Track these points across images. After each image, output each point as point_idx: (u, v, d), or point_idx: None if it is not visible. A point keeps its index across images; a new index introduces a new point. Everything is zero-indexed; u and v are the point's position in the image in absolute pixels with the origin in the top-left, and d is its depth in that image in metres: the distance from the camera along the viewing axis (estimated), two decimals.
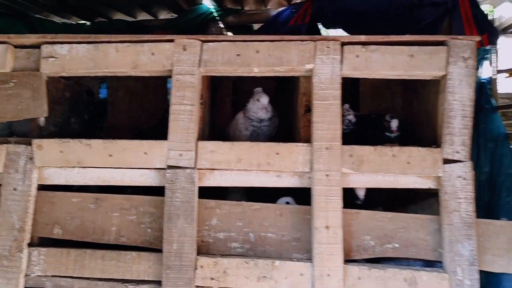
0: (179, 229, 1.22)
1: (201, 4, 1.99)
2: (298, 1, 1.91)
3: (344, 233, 1.21)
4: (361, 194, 1.38)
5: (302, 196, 1.30)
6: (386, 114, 1.46)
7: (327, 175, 1.21)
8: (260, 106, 1.44)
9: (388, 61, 1.25)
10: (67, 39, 1.28)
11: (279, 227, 1.27)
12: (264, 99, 1.43)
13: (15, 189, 1.25)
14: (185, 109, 1.25)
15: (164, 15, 2.11)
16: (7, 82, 1.27)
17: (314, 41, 1.25)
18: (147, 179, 1.27)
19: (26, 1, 1.77)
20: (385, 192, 1.45)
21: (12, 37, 1.29)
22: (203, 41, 1.26)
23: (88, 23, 2.12)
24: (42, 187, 1.29)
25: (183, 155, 1.24)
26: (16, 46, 1.30)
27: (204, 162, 1.24)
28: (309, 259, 1.22)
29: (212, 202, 1.28)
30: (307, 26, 1.80)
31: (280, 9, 1.90)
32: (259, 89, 1.49)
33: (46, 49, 1.27)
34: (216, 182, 1.27)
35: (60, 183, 1.29)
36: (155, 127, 1.74)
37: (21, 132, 1.50)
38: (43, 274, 1.24)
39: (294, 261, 1.22)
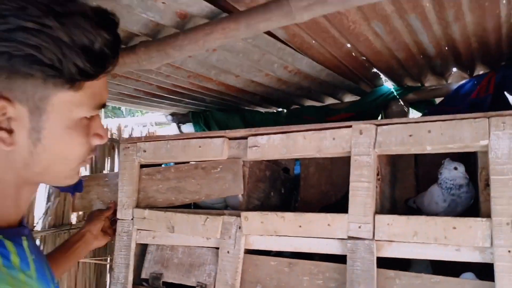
0: None
1: (382, 85, 2.17)
2: (480, 73, 1.92)
3: None
4: None
5: (485, 271, 1.29)
6: None
7: (509, 251, 1.19)
8: (458, 174, 1.48)
9: None
10: (266, 131, 1.59)
11: None
12: (462, 168, 1.47)
13: (228, 252, 1.57)
14: (362, 186, 1.41)
15: (348, 98, 2.35)
16: (216, 168, 1.66)
17: (488, 117, 1.29)
18: (330, 248, 1.45)
19: (238, 100, 2.23)
20: None
21: (228, 132, 1.66)
22: (378, 125, 1.42)
23: (285, 110, 2.51)
24: (247, 251, 1.58)
25: (361, 227, 1.38)
26: (230, 139, 1.67)
27: (381, 234, 1.35)
28: None
29: (391, 273, 1.37)
30: (491, 97, 1.78)
31: (462, 82, 1.94)
32: (448, 159, 1.55)
33: (251, 140, 1.61)
34: (394, 253, 1.36)
35: (261, 248, 1.56)
36: (340, 200, 1.92)
37: (233, 205, 1.85)
38: None
39: None
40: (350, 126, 1.47)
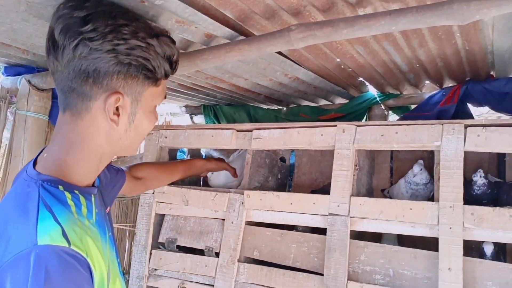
0: (335, 259, 1.70)
1: (367, 92, 2.53)
2: (449, 85, 2.27)
3: (468, 278, 1.51)
4: (488, 251, 1.65)
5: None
6: None
7: (450, 228, 1.56)
8: (420, 176, 1.86)
9: (506, 139, 1.55)
10: (268, 126, 1.95)
11: (413, 267, 1.64)
12: (416, 168, 1.85)
13: (232, 223, 1.94)
14: (342, 174, 1.77)
15: (338, 100, 2.70)
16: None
17: (442, 124, 1.65)
18: (314, 221, 1.80)
19: (245, 97, 2.59)
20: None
21: (236, 125, 2.02)
22: (357, 126, 1.77)
23: (284, 108, 2.88)
24: (248, 223, 1.94)
25: (340, 206, 1.74)
26: (238, 130, 2.03)
27: (355, 212, 1.71)
28: None
29: (361, 243, 1.73)
30: (455, 107, 2.13)
31: (433, 92, 2.29)
32: (419, 161, 1.92)
33: (255, 133, 1.96)
34: (364, 227, 1.72)
35: (259, 220, 1.92)
36: (326, 186, 2.29)
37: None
38: (245, 281, 1.86)
39: None
40: (335, 126, 1.82)
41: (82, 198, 0.88)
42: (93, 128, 0.91)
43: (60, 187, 0.86)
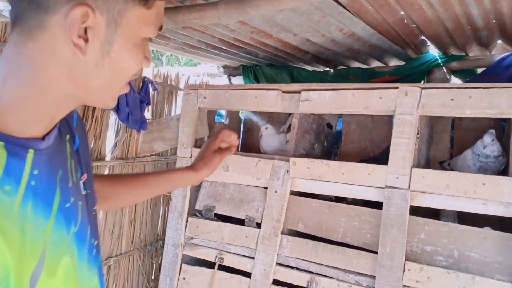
0: (392, 237, 1.53)
1: (427, 52, 2.28)
2: None
3: None
4: None
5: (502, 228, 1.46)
6: None
7: None
8: (492, 148, 1.63)
9: None
10: (318, 87, 1.76)
11: (482, 249, 1.45)
12: (487, 138, 1.63)
13: (276, 192, 1.78)
14: (403, 142, 1.57)
15: (393, 62, 2.47)
16: None
17: None
18: (368, 194, 1.63)
19: (290, 56, 2.39)
20: None
21: (282, 86, 1.83)
22: (422, 88, 1.56)
23: (331, 70, 2.66)
24: (292, 193, 1.78)
25: (399, 178, 1.56)
26: (283, 92, 1.84)
27: (416, 185, 1.53)
28: (510, 282, 1.37)
29: (421, 220, 1.55)
30: None
31: (505, 54, 2.03)
32: (491, 131, 1.69)
33: (303, 95, 1.78)
34: (426, 203, 1.53)
35: (305, 190, 1.76)
36: (377, 156, 2.10)
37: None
38: (289, 255, 1.72)
39: (494, 280, 1.39)
40: (397, 88, 1.61)
41: (1, 152, 0.58)
42: (48, 54, 0.63)
43: None
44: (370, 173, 1.62)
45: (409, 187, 1.54)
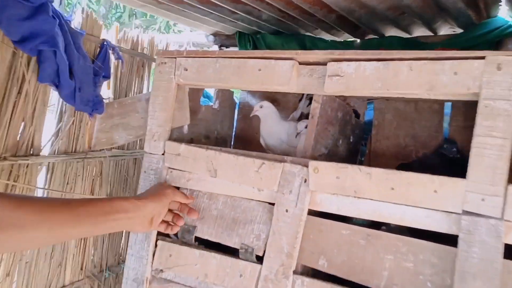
0: None
1: (495, 17, 1.68)
2: None
3: None
4: None
5: None
6: None
7: None
8: None
9: None
10: (355, 56, 1.17)
11: None
12: None
13: (287, 211, 1.20)
14: (494, 143, 1.00)
15: (445, 30, 1.87)
16: None
17: None
18: (432, 222, 1.06)
19: (302, 18, 1.77)
20: None
21: (300, 53, 1.24)
22: None
23: (357, 40, 2.04)
24: (312, 213, 1.21)
25: (485, 200, 0.99)
26: (301, 63, 1.25)
27: None
28: None
29: None
30: None
31: None
32: None
33: (332, 67, 1.19)
34: None
35: (331, 211, 1.18)
36: (422, 159, 1.53)
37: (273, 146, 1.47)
38: None
39: None
40: (483, 57, 1.03)
41: None
42: None
43: None
44: (436, 190, 1.04)
45: (502, 215, 0.97)
